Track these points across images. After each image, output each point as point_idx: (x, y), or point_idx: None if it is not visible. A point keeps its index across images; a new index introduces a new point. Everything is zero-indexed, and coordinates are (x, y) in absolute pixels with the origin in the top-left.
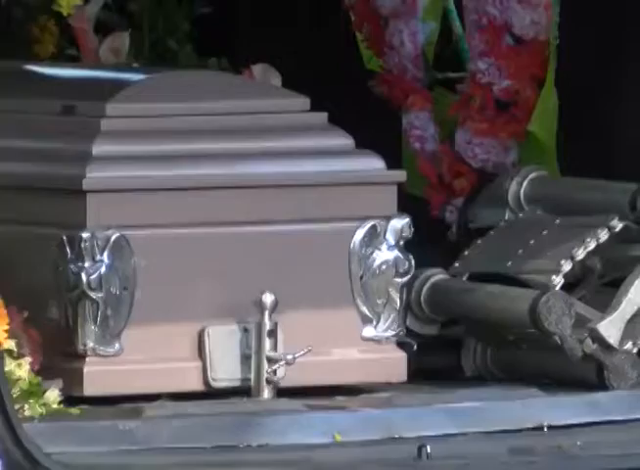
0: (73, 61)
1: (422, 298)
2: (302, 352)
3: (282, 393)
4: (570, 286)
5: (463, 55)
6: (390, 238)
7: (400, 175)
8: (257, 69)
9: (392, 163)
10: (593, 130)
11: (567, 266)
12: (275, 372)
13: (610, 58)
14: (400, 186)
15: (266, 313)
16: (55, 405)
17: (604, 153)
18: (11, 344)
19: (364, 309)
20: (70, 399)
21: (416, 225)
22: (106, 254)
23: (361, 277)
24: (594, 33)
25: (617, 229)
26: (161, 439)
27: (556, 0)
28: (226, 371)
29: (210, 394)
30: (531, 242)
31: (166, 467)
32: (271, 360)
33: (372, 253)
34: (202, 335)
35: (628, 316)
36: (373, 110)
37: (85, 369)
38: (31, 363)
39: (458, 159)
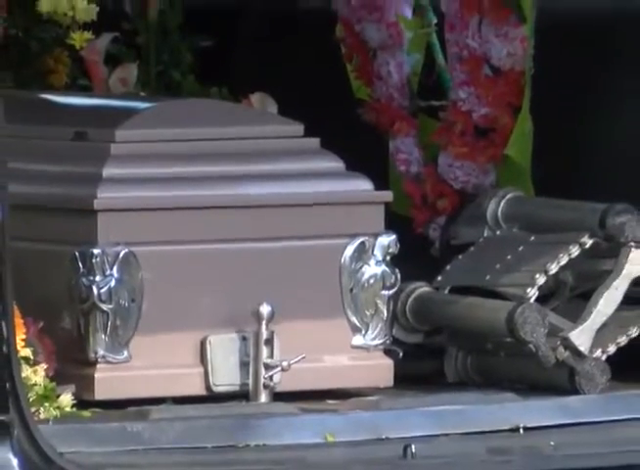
0: (85, 90)
1: (407, 309)
2: (297, 359)
3: (278, 397)
4: (543, 298)
5: (445, 84)
6: (378, 254)
7: (387, 196)
8: (255, 97)
9: (380, 184)
10: (565, 154)
11: (541, 280)
12: (271, 378)
13: (580, 87)
14: (387, 205)
15: (263, 323)
16: (68, 409)
17: (575, 174)
18: (27, 352)
19: (354, 320)
20: (82, 403)
21: (402, 242)
22: (115, 268)
23: (351, 290)
24: (566, 64)
25: (588, 245)
26: (166, 439)
27: (531, 33)
28: (226, 377)
29: (212, 398)
30: (508, 257)
31: (171, 466)
32: (268, 367)
33: (361, 267)
34: (204, 343)
35: (598, 326)
36: (362, 135)
37: (96, 375)
38: (46, 370)
39: (441, 180)
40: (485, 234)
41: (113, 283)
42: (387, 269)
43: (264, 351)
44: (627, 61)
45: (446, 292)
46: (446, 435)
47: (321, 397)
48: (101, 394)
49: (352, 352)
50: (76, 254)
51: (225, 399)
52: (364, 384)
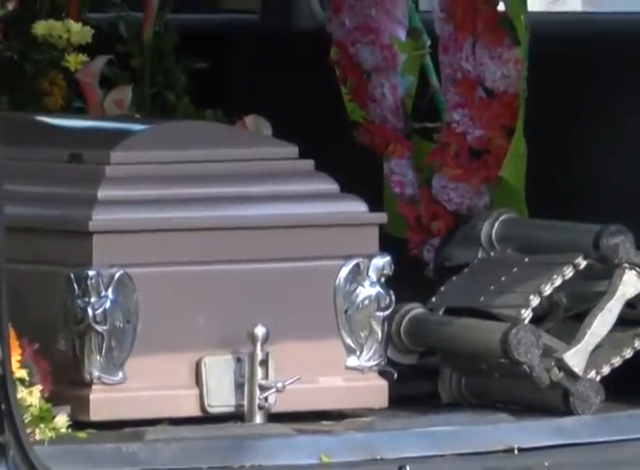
0: (80, 112)
1: (402, 330)
2: (292, 381)
3: (273, 418)
4: (538, 319)
5: (439, 106)
6: (373, 275)
7: (381, 217)
8: (250, 119)
9: (374, 206)
10: (559, 175)
11: (535, 301)
12: (266, 399)
13: (574, 108)
14: (382, 227)
15: (258, 344)
16: (63, 430)
17: (569, 196)
18: (23, 373)
19: (348, 341)
20: (78, 424)
21: (396, 263)
22: (110, 290)
23: (346, 311)
24: (559, 86)
25: (582, 267)
26: (162, 460)
27: (525, 56)
28: (221, 398)
29: (207, 419)
30: (502, 279)
31: None
32: (263, 388)
33: (356, 289)
34: (199, 364)
35: (592, 347)
36: (356, 157)
37: (91, 396)
38: (42, 391)
39: (435, 202)
40: (480, 255)
41: (108, 304)
42: (381, 291)
43: (259, 372)
44: (621, 82)
45: (441, 313)
46: (441, 455)
47: (316, 418)
48: (96, 415)
49: (347, 373)
50: (71, 275)
51: (220, 419)
52: (359, 405)
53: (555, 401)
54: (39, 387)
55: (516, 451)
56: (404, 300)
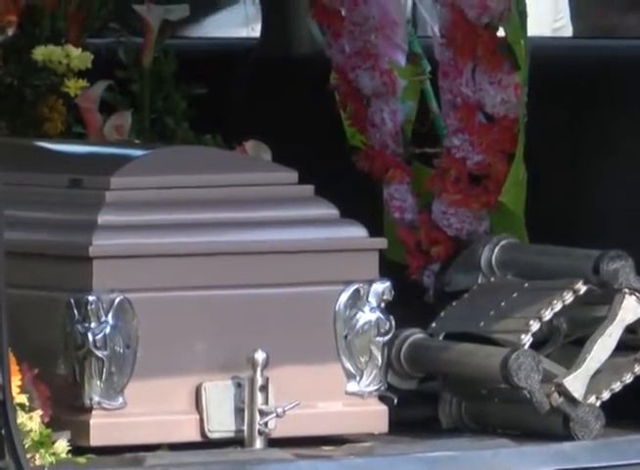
0: (80, 138)
1: (402, 355)
2: (292, 406)
3: (273, 443)
4: (538, 344)
5: (439, 132)
6: (373, 300)
7: (381, 242)
8: (249, 145)
9: (374, 231)
10: (559, 201)
11: (535, 326)
12: (266, 424)
13: (574, 134)
14: (381, 252)
15: (258, 370)
16: (63, 455)
17: (569, 221)
18: (23, 398)
19: (348, 366)
20: (78, 449)
21: (396, 288)
22: (110, 315)
23: (346, 336)
24: (560, 111)
25: (582, 292)
26: None
27: (524, 81)
28: (221, 423)
29: (207, 444)
30: (502, 304)
31: None
32: (263, 413)
33: (355, 314)
34: (199, 389)
35: (592, 372)
36: (356, 182)
37: (91, 421)
38: (42, 416)
39: (435, 227)
40: (479, 281)
41: (108, 330)
42: (381, 316)
43: (259, 397)
44: (620, 108)
45: (441, 338)
46: None
47: (316, 443)
48: (96, 440)
49: (347, 398)
50: (71, 300)
51: (220, 445)
52: (359, 430)
53: (555, 427)
54: (39, 412)
55: None
56: (404, 325)
